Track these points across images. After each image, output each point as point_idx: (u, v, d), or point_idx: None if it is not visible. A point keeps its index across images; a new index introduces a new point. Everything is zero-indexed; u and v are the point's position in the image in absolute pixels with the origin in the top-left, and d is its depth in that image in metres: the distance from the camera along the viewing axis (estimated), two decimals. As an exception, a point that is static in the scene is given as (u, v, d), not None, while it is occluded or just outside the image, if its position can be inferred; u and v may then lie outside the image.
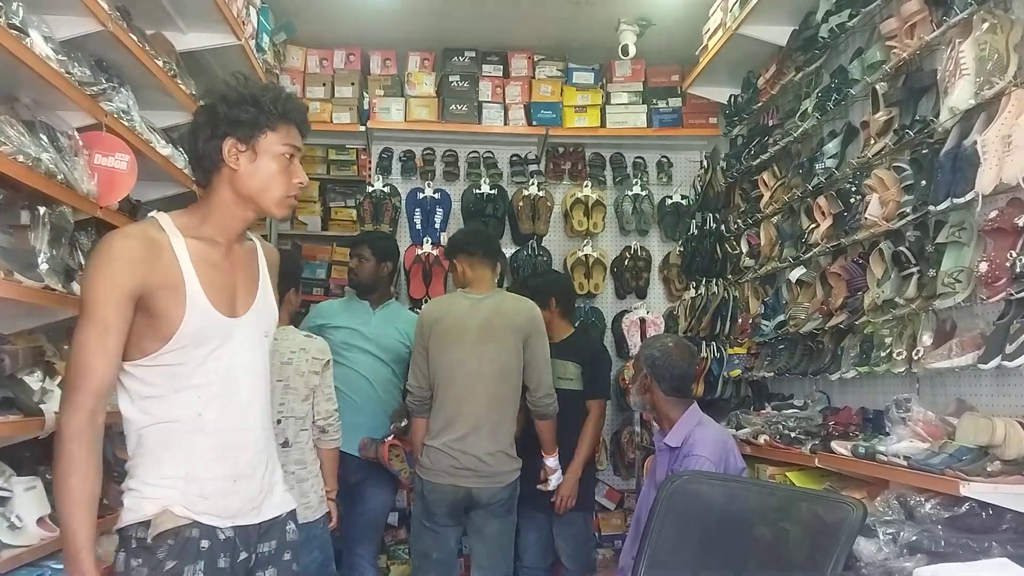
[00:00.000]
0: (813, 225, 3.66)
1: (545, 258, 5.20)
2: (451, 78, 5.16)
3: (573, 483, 3.90)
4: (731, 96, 4.83)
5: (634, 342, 4.96)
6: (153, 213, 1.93)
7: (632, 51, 4.79)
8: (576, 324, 4.68)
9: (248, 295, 1.96)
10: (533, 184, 5.17)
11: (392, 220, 5.11)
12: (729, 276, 4.68)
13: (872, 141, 3.24)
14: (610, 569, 3.59)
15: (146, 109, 3.27)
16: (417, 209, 5.18)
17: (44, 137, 2.54)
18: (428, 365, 3.52)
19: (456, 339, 3.50)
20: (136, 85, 3.19)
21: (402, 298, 4.96)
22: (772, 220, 4.16)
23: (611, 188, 5.41)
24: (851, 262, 3.39)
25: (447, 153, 5.35)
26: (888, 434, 2.87)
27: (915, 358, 2.89)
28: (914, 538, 2.39)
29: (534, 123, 5.20)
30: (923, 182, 2.90)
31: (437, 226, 5.14)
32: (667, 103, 5.28)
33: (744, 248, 4.43)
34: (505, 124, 5.21)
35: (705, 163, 5.16)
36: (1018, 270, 2.44)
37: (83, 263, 2.85)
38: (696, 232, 5.05)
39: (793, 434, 3.41)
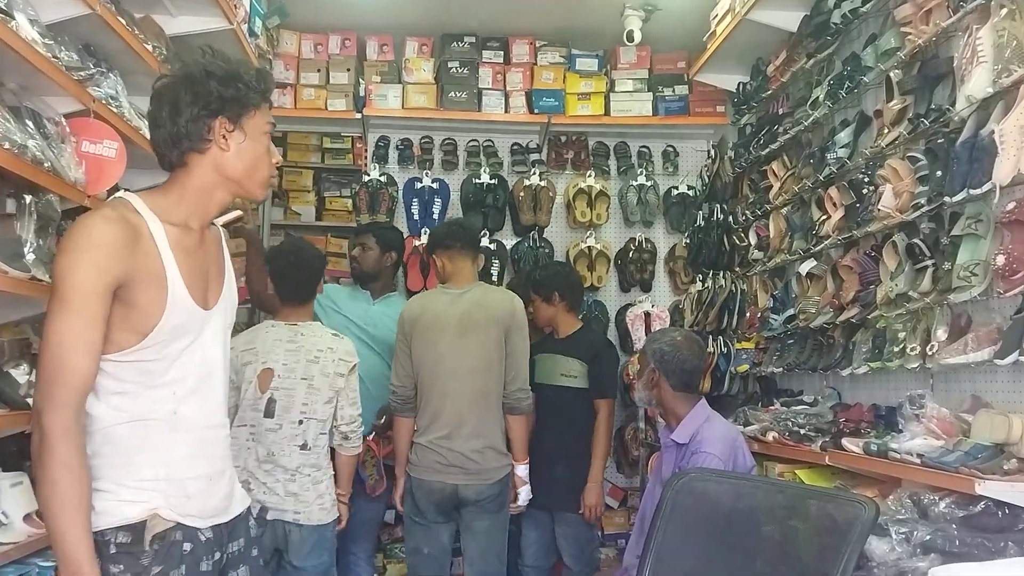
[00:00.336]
0: (824, 216, 3.65)
1: (547, 250, 5.21)
2: (450, 64, 5.15)
3: (598, 491, 3.96)
4: (740, 84, 4.82)
5: (638, 336, 4.96)
6: (122, 193, 1.85)
7: (637, 37, 4.78)
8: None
9: (217, 285, 1.93)
10: (535, 174, 5.17)
11: (389, 210, 5.11)
12: (737, 269, 4.68)
13: (886, 130, 3.24)
14: (613, 569, 3.60)
15: (135, 95, 3.25)
16: (415, 199, 5.17)
17: (30, 123, 2.53)
18: (411, 363, 3.57)
19: (437, 335, 3.54)
20: (125, 70, 3.18)
21: (399, 290, 4.96)
22: (782, 211, 4.15)
23: (615, 178, 5.41)
24: (863, 255, 3.38)
25: (446, 141, 5.35)
26: (901, 431, 2.87)
27: (929, 353, 2.88)
28: (928, 538, 2.39)
29: (536, 111, 5.20)
30: (938, 172, 2.89)
31: (435, 217, 5.14)
32: (673, 91, 5.27)
33: (752, 240, 4.43)
34: (506, 112, 5.21)
35: (712, 152, 5.16)
36: (1036, 262, 2.44)
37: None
38: (703, 224, 5.05)
39: (803, 431, 3.42)
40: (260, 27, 4.49)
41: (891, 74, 3.24)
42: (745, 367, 4.39)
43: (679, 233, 5.36)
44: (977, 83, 2.69)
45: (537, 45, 5.28)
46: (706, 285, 4.91)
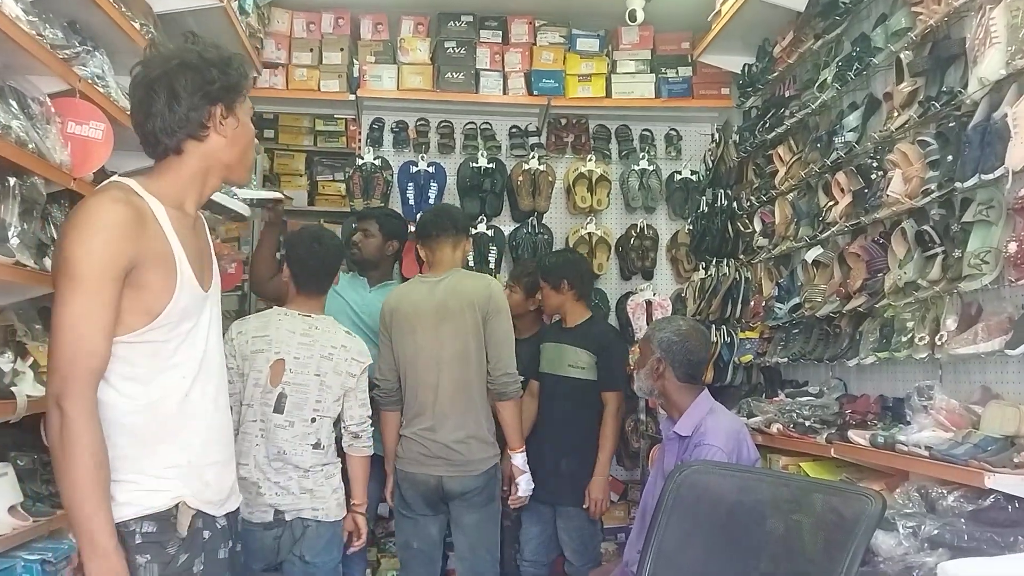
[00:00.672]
0: (831, 203, 3.65)
1: (546, 236, 5.20)
2: (447, 44, 5.13)
3: (604, 485, 3.99)
4: (745, 65, 4.81)
5: (639, 325, 4.96)
6: (118, 177, 1.89)
7: (640, 17, 4.76)
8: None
9: (210, 269, 1.98)
10: (534, 158, 5.16)
11: (383, 195, 5.09)
12: (741, 256, 4.68)
13: (895, 113, 3.23)
14: (614, 563, 3.61)
15: (122, 74, 3.22)
16: (410, 184, 5.15)
17: (14, 103, 2.52)
18: (393, 356, 3.60)
19: (414, 326, 3.57)
20: (111, 49, 3.17)
21: (396, 278, 4.95)
22: (787, 197, 4.15)
23: (616, 162, 5.39)
24: (871, 242, 3.39)
25: (442, 124, 5.33)
26: (909, 423, 2.88)
27: (938, 343, 2.89)
28: (936, 532, 2.40)
29: (535, 93, 5.18)
30: (949, 157, 2.89)
31: (431, 202, 5.11)
32: (677, 72, 5.25)
33: (757, 227, 4.43)
34: (504, 93, 5.19)
35: (717, 136, 5.16)
36: (1049, 250, 2.44)
37: (55, 238, 2.84)
38: (706, 209, 5.04)
39: (808, 423, 3.42)
40: (251, 4, 4.47)
41: (901, 55, 3.23)
42: (749, 357, 4.39)
43: (682, 219, 5.36)
44: (990, 65, 2.69)
45: (537, 24, 5.26)
46: (709, 273, 4.91)
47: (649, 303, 5.09)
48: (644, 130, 5.42)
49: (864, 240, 3.46)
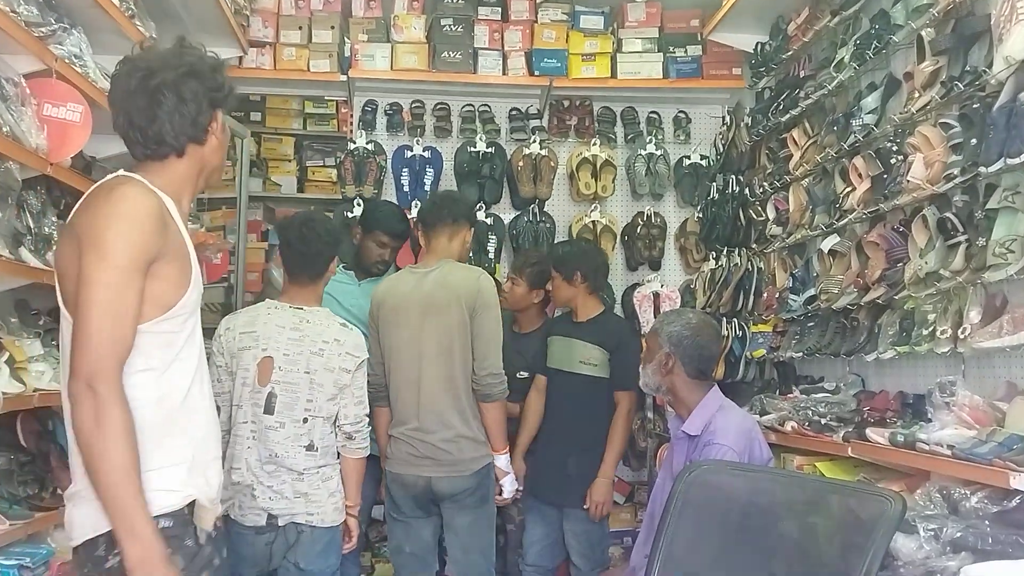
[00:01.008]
0: (848, 189, 3.65)
1: (548, 225, 5.19)
2: (443, 21, 5.12)
3: (607, 487, 3.99)
4: (758, 44, 4.80)
5: (646, 319, 4.96)
6: (124, 173, 1.96)
7: (647, -8, 4.76)
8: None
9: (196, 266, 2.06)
10: (535, 142, 5.15)
11: (377, 181, 5.08)
12: (753, 245, 4.68)
13: (916, 94, 3.23)
14: (620, 568, 3.62)
15: (101, 53, 3.24)
16: (405, 169, 5.15)
17: (-13, 84, 2.52)
18: (380, 349, 3.62)
19: (399, 318, 3.59)
20: (89, 26, 3.16)
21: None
22: (802, 183, 4.15)
23: (622, 147, 5.39)
24: (891, 230, 3.38)
25: (438, 106, 5.32)
26: (930, 420, 2.88)
27: (961, 337, 2.89)
28: (958, 535, 2.40)
29: (536, 73, 5.17)
30: (973, 140, 2.88)
31: (427, 188, 5.11)
32: (685, 51, 5.24)
33: (770, 214, 4.42)
34: (503, 74, 5.18)
35: (728, 119, 5.15)
36: (1078, 238, 2.44)
37: (31, 226, 2.84)
38: (717, 196, 5.04)
39: (824, 420, 3.42)
40: (237, -20, 4.46)
41: (923, 33, 3.22)
42: (761, 352, 4.39)
43: (691, 207, 5.35)
44: (1016, 43, 2.68)
45: (538, 1, 5.25)
46: (720, 263, 4.91)
47: (656, 295, 5.09)
48: (651, 112, 5.41)
49: (883, 228, 3.46)
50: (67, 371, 1.84)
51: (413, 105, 5.31)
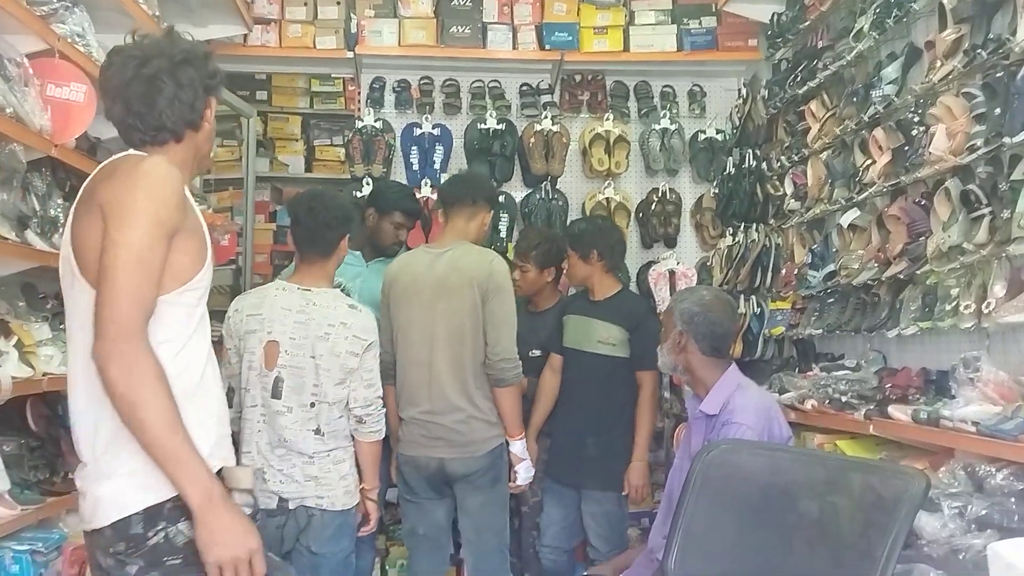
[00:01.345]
0: (869, 161, 3.63)
1: (560, 202, 5.19)
2: (451, -5, 5.11)
3: (643, 470, 4.01)
4: (774, 14, 4.76)
5: (662, 297, 4.96)
6: (132, 151, 1.99)
7: (660, -38, 4.73)
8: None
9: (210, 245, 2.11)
10: (546, 118, 5.14)
11: (385, 160, 5.09)
12: (771, 221, 4.66)
13: (938, 64, 3.20)
14: (638, 550, 3.62)
15: (104, 32, 3.24)
16: (414, 147, 5.16)
17: (-11, 65, 2.52)
18: (391, 328, 3.63)
19: (411, 299, 3.60)
20: (92, 4, 3.16)
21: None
22: (821, 156, 4.12)
23: (635, 121, 5.38)
24: (912, 203, 3.37)
25: (447, 83, 5.31)
26: (954, 397, 2.87)
27: (985, 311, 2.87)
28: (983, 512, 2.41)
29: (547, 47, 5.16)
30: (997, 110, 2.86)
31: (437, 166, 5.12)
32: (700, 23, 5.23)
33: (788, 189, 4.40)
34: (514, 49, 5.18)
35: (744, 92, 5.12)
36: (1106, 209, 2.42)
37: (37, 209, 2.85)
38: (733, 171, 5.02)
39: (844, 398, 3.42)
40: (240, -44, 4.45)
41: (944, 0, 3.19)
42: (780, 329, 4.39)
43: (707, 182, 5.34)
44: (1042, 9, 2.66)
45: (547, -27, 5.23)
46: (737, 239, 4.90)
47: (672, 273, 5.08)
48: (665, 86, 5.39)
49: (904, 201, 3.44)
50: (77, 345, 1.88)
51: (422, 82, 5.30)
